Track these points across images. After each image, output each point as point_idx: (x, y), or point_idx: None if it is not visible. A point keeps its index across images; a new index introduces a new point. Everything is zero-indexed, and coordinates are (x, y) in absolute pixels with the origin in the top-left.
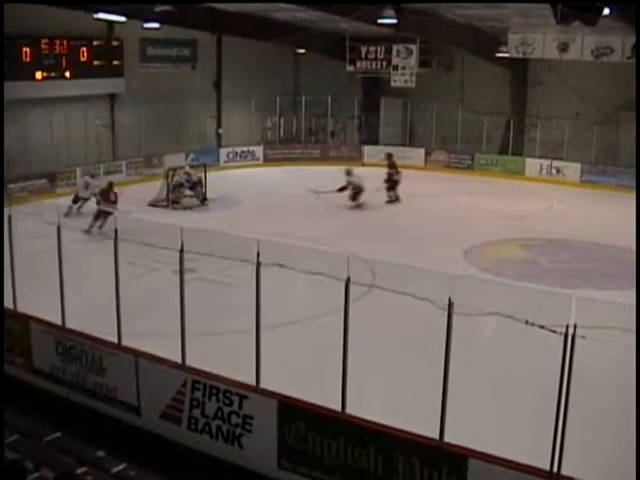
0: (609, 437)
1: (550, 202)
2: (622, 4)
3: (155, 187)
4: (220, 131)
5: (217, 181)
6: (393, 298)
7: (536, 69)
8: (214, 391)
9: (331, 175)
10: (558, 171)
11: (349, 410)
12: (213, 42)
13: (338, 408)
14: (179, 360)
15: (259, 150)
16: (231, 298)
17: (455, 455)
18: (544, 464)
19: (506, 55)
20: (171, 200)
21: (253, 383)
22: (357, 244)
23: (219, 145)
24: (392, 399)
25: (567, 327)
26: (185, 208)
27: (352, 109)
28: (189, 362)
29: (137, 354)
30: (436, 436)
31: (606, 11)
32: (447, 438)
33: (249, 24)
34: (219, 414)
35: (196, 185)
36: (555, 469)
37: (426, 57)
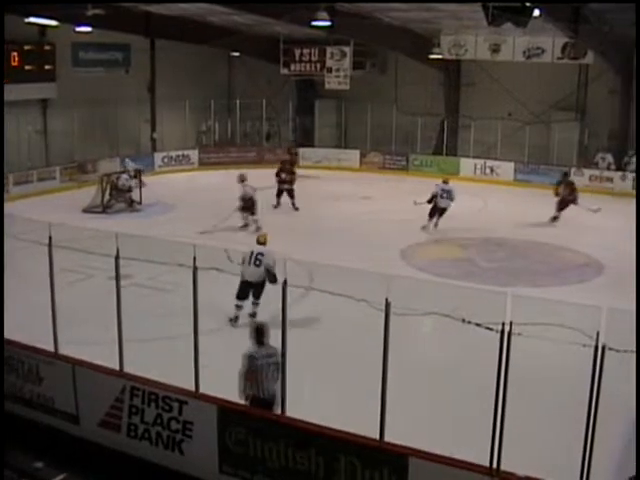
0: (547, 432)
1: (485, 201)
2: (550, 4)
3: (89, 193)
4: (155, 135)
5: (152, 186)
6: (331, 300)
7: (469, 70)
8: (153, 397)
9: (267, 178)
10: (492, 171)
11: (289, 413)
12: (147, 46)
13: (278, 411)
14: (117, 367)
15: (194, 154)
16: (168, 303)
17: (395, 454)
18: (484, 460)
19: (439, 56)
20: (105, 206)
21: (192, 388)
22: (292, 246)
23: (154, 149)
24: (332, 401)
25: (503, 324)
26: (117, 211)
27: (287, 112)
28: (127, 369)
29: (74, 362)
30: (376, 436)
31: (536, 13)
32: (388, 438)
33: (183, 27)
34: (159, 420)
35: (130, 190)
36: (495, 465)
37: (360, 59)
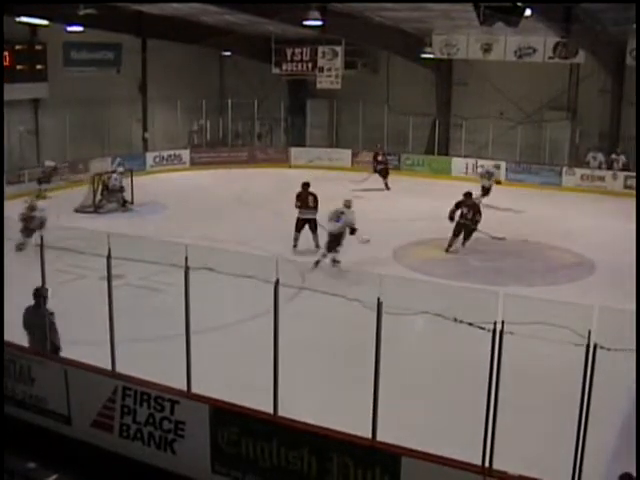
0: (540, 431)
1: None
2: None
3: (82, 193)
4: (146, 135)
5: (144, 186)
6: (323, 299)
7: (460, 70)
8: (145, 397)
9: (259, 178)
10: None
11: (281, 412)
12: (138, 45)
13: (270, 411)
14: (109, 367)
15: (186, 154)
16: (160, 303)
17: (388, 454)
18: (477, 459)
19: (431, 56)
20: (97, 206)
21: (184, 388)
22: (284, 246)
23: (145, 149)
24: (325, 400)
25: (495, 323)
26: (109, 211)
27: (278, 111)
28: (119, 369)
29: (66, 363)
30: (369, 435)
31: (528, 12)
32: (381, 437)
33: (175, 27)
34: (151, 420)
35: (122, 190)
36: (487, 464)
37: (352, 59)
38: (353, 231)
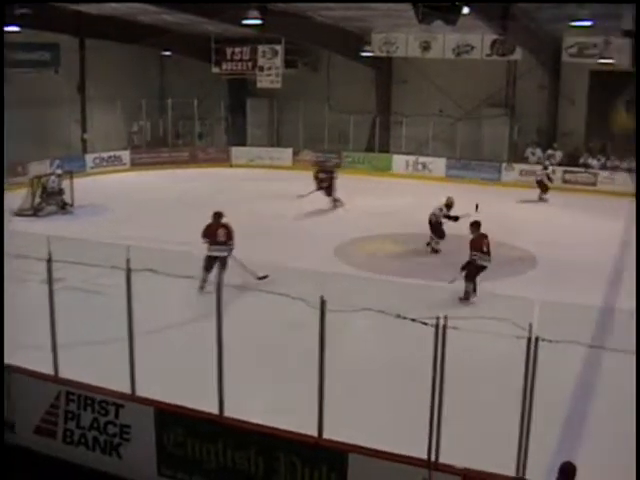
0: (484, 423)
1: (418, 197)
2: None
3: (20, 196)
4: (85, 136)
5: (84, 187)
6: (266, 298)
7: (400, 68)
8: (89, 402)
9: (201, 178)
10: (424, 167)
11: (227, 413)
12: (77, 45)
13: (216, 411)
14: (52, 372)
15: (126, 155)
16: (103, 306)
17: (335, 451)
18: (423, 454)
19: (370, 54)
20: (36, 209)
21: (129, 391)
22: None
23: (85, 151)
24: (271, 400)
25: (438, 319)
26: (48, 214)
27: (219, 111)
28: (62, 374)
29: (8, 368)
30: (315, 434)
31: (465, 10)
32: (327, 435)
33: (114, 27)
34: (95, 425)
35: (61, 192)
36: (433, 458)
37: (292, 57)
38: (455, 219)
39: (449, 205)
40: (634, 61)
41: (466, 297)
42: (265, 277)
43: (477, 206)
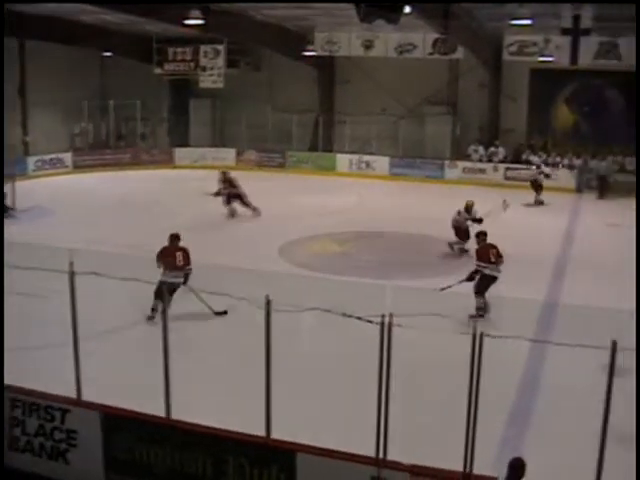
0: (431, 419)
1: (361, 196)
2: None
3: None
4: (27, 139)
5: (26, 190)
6: (212, 299)
7: (343, 67)
8: (34, 408)
9: (144, 179)
10: (368, 165)
11: (175, 416)
12: (16, 47)
13: (163, 414)
14: None
15: (68, 157)
16: (46, 311)
17: (283, 451)
18: (371, 452)
19: (313, 54)
20: None
21: (74, 396)
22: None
23: (26, 153)
24: (219, 401)
25: (383, 316)
26: None
27: (161, 112)
28: (7, 380)
29: None
30: (263, 434)
31: (407, 10)
32: (275, 435)
33: (54, 27)
34: (41, 431)
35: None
36: (381, 455)
37: (234, 57)
38: (479, 221)
39: (468, 208)
40: (573, 59)
41: (480, 314)
42: (224, 313)
43: (505, 202)
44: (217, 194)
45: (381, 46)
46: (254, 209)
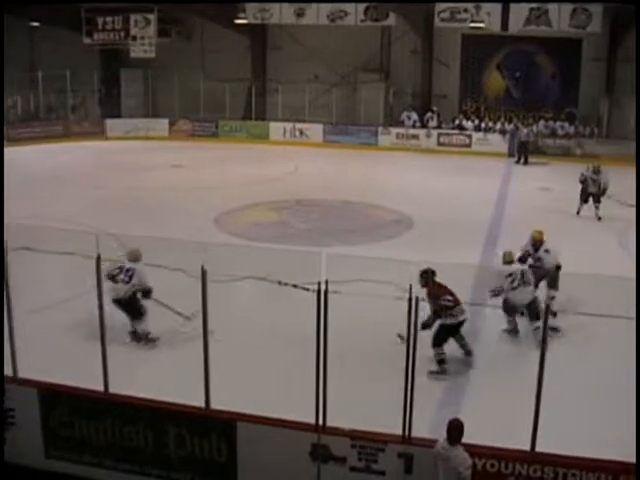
0: (370, 384)
1: (296, 164)
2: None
3: None
4: None
5: None
6: (148, 270)
7: (275, 34)
8: None
9: (75, 152)
10: (301, 133)
11: (113, 389)
12: None
13: (101, 389)
14: None
15: None
16: None
17: (223, 421)
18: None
19: (245, 21)
20: None
21: (11, 374)
22: (105, 220)
23: None
24: (156, 373)
25: (319, 284)
26: None
27: (92, 83)
28: None
29: None
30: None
31: None
32: (215, 405)
33: None
34: None
35: None
36: (321, 422)
37: (165, 27)
38: (146, 294)
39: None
40: (503, 25)
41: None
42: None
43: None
44: None
45: (313, 13)
46: None
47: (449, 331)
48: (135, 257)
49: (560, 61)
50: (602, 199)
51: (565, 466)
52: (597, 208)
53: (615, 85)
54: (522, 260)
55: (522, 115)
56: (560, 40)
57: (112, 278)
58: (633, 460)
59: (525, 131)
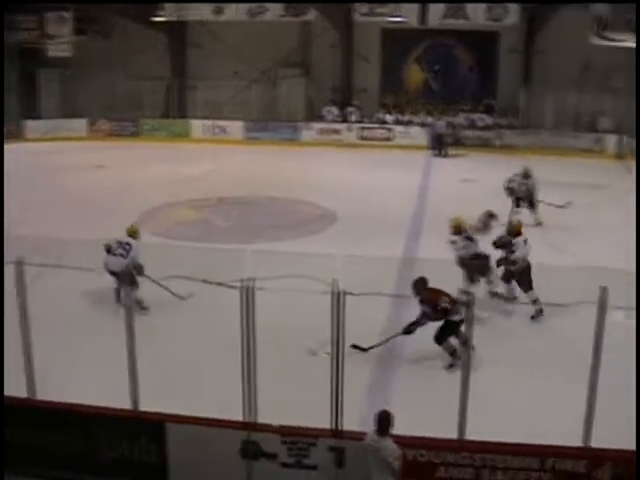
0: (298, 379)
1: (217, 161)
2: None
3: None
4: None
5: None
6: (68, 274)
7: (195, 31)
8: None
9: None
10: (222, 130)
11: (40, 396)
12: None
13: (25, 394)
14: None
15: None
16: None
17: (152, 422)
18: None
19: (163, 19)
20: None
21: None
22: (24, 221)
23: None
24: (83, 377)
25: (242, 281)
26: None
27: (9, 83)
28: None
29: None
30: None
31: None
32: (144, 407)
33: None
34: None
35: None
36: (251, 419)
37: (82, 25)
38: (139, 270)
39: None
40: (422, 19)
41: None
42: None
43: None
44: None
45: (232, 10)
46: None
47: (454, 327)
48: (134, 233)
49: (478, 53)
50: (535, 203)
51: (493, 452)
52: (535, 213)
53: (532, 76)
54: (498, 246)
55: (441, 108)
56: (477, 33)
57: (109, 250)
58: (561, 443)
59: (441, 123)
